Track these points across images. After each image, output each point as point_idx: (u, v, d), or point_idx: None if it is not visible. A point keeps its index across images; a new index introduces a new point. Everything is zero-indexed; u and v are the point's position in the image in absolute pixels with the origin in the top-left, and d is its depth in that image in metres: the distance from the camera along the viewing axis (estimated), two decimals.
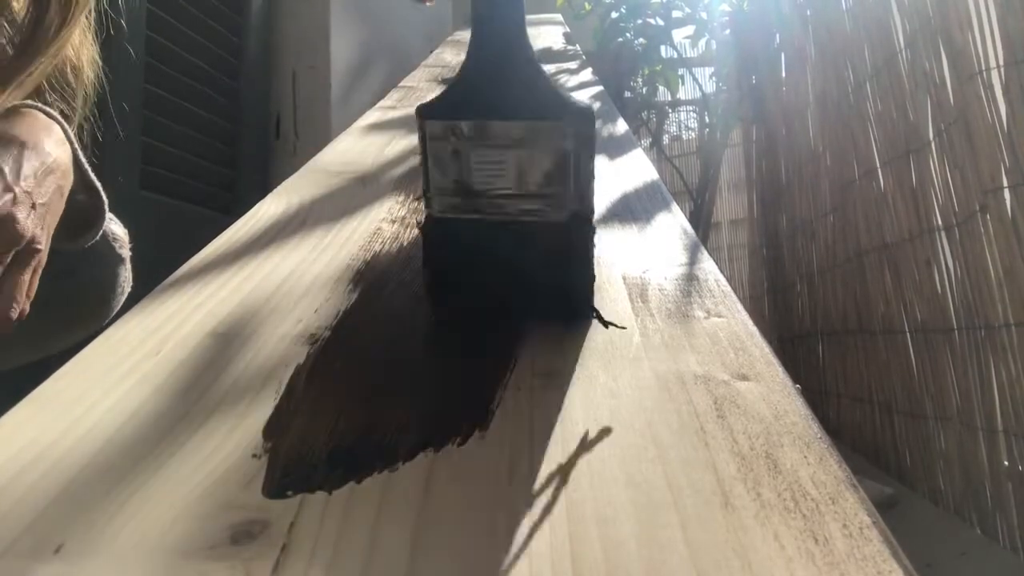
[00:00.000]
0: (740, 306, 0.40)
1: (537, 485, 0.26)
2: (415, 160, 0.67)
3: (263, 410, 0.30)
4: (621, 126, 0.82)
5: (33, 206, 0.49)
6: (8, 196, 0.47)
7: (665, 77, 2.54)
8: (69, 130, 0.55)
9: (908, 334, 1.47)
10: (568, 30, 1.75)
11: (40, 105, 0.54)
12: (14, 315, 0.48)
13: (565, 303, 0.38)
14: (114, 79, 1.29)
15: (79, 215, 0.56)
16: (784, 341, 2.30)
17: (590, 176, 0.36)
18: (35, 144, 0.51)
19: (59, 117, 0.55)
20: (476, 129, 0.35)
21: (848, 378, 1.79)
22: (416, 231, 0.50)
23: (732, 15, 2.44)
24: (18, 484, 0.26)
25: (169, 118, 1.44)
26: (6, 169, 0.48)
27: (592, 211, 0.37)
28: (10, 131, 0.51)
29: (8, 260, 0.47)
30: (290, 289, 0.41)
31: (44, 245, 0.50)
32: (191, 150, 1.51)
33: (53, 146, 0.53)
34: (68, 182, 0.54)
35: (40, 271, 0.50)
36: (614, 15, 2.49)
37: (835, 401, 1.88)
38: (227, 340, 0.36)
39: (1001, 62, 1.10)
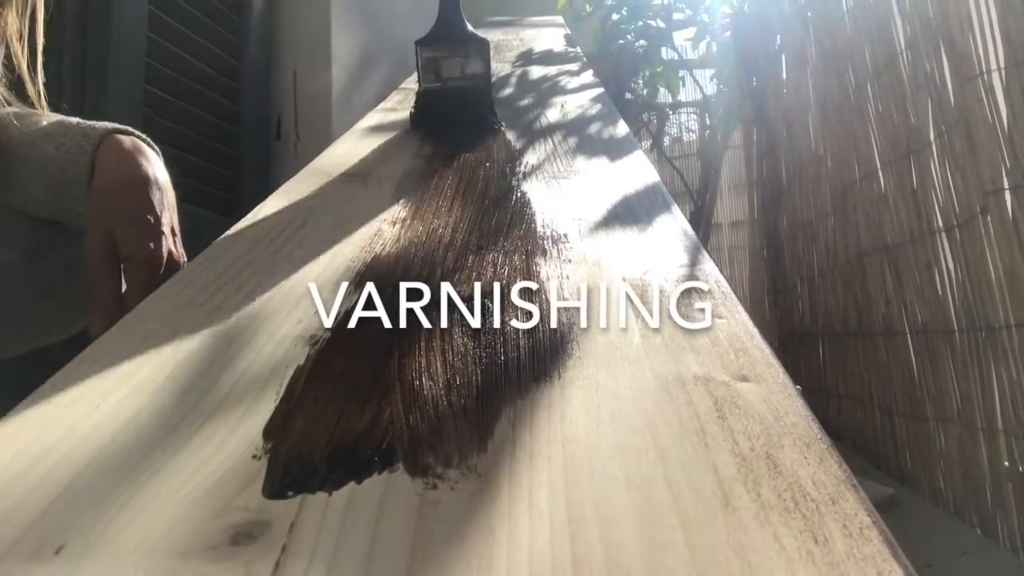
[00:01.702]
0: (740, 307, 0.40)
1: (537, 487, 0.26)
2: (416, 162, 0.68)
3: (263, 411, 0.30)
4: (622, 128, 0.82)
5: (173, 231, 0.59)
6: (162, 239, 0.56)
7: (666, 79, 2.54)
8: (153, 145, 0.62)
9: (909, 335, 1.47)
10: (569, 32, 1.75)
11: (123, 127, 0.59)
12: None
13: (482, 117, 0.80)
14: (114, 80, 1.30)
15: None
16: (785, 342, 2.30)
17: (489, 67, 0.79)
18: (152, 176, 0.59)
19: (141, 135, 0.62)
20: (444, 50, 0.77)
21: (848, 379, 1.79)
22: (415, 232, 0.50)
23: (733, 17, 2.44)
24: (19, 485, 0.26)
25: (169, 119, 1.44)
26: (150, 217, 0.56)
27: (490, 80, 0.80)
28: (134, 170, 0.58)
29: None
30: (291, 290, 0.41)
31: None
32: (191, 151, 1.51)
33: (157, 170, 0.60)
34: (171, 189, 0.61)
35: None
36: (615, 17, 2.49)
37: (835, 402, 1.88)
38: (228, 341, 0.36)
39: (1002, 64, 1.10)
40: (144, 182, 0.57)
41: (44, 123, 0.58)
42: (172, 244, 0.57)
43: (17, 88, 0.60)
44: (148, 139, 0.62)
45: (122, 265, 0.55)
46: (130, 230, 0.55)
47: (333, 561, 0.22)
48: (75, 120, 0.60)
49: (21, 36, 0.59)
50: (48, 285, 0.60)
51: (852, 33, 1.71)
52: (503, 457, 0.27)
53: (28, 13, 0.59)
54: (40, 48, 0.61)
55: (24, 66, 0.59)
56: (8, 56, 0.59)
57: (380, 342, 0.36)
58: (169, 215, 0.59)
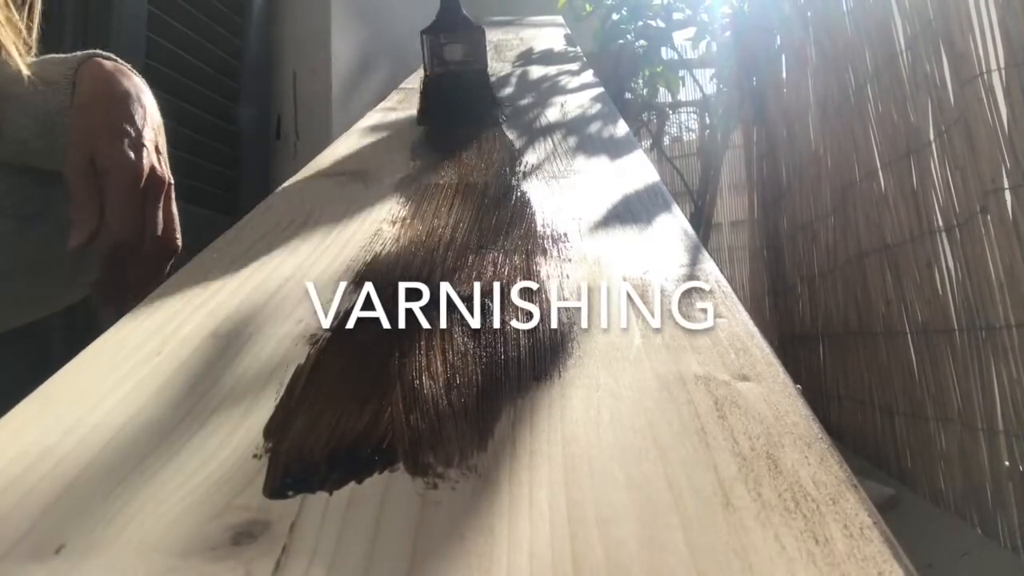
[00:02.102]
0: (741, 307, 0.40)
1: (538, 486, 0.26)
2: (416, 162, 0.68)
3: (264, 410, 0.30)
4: (622, 127, 0.82)
5: (158, 149, 0.57)
6: (143, 151, 0.55)
7: (666, 79, 2.54)
8: (137, 73, 0.61)
9: (909, 335, 1.47)
10: (569, 32, 1.75)
11: (99, 52, 0.58)
12: (179, 240, 0.59)
13: (483, 105, 0.84)
14: None
15: None
16: (785, 342, 2.30)
17: (484, 51, 0.84)
18: (134, 92, 0.57)
19: (115, 57, 0.60)
20: (446, 36, 0.82)
21: (849, 379, 1.79)
22: (416, 232, 0.50)
23: (733, 17, 2.44)
24: (19, 485, 0.26)
25: (169, 119, 1.44)
26: (130, 129, 0.55)
27: (486, 65, 0.85)
28: (114, 85, 0.57)
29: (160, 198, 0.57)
30: (291, 290, 0.41)
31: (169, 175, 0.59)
32: (191, 151, 1.51)
33: (140, 89, 0.59)
34: (157, 111, 0.60)
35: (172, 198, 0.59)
36: (615, 17, 2.49)
37: (836, 402, 1.88)
38: (228, 341, 0.36)
39: (1002, 64, 1.11)
40: (124, 96, 0.56)
41: (22, 65, 0.57)
42: (156, 161, 0.56)
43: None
44: (114, 57, 0.61)
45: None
46: (108, 141, 0.53)
47: (334, 561, 0.22)
48: (54, 55, 0.59)
49: (9, 21, 0.57)
50: (43, 251, 0.59)
51: (852, 33, 1.71)
52: (503, 457, 0.27)
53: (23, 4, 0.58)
54: (37, 14, 0.59)
55: (11, 50, 0.58)
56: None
57: (380, 342, 0.36)
58: (152, 133, 0.57)
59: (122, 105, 0.56)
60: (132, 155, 0.54)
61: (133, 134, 0.55)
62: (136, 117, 0.56)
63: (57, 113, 0.56)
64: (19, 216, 0.58)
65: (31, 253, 0.58)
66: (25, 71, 0.56)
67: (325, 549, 0.23)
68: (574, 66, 1.25)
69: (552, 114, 0.89)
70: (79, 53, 0.59)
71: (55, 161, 0.57)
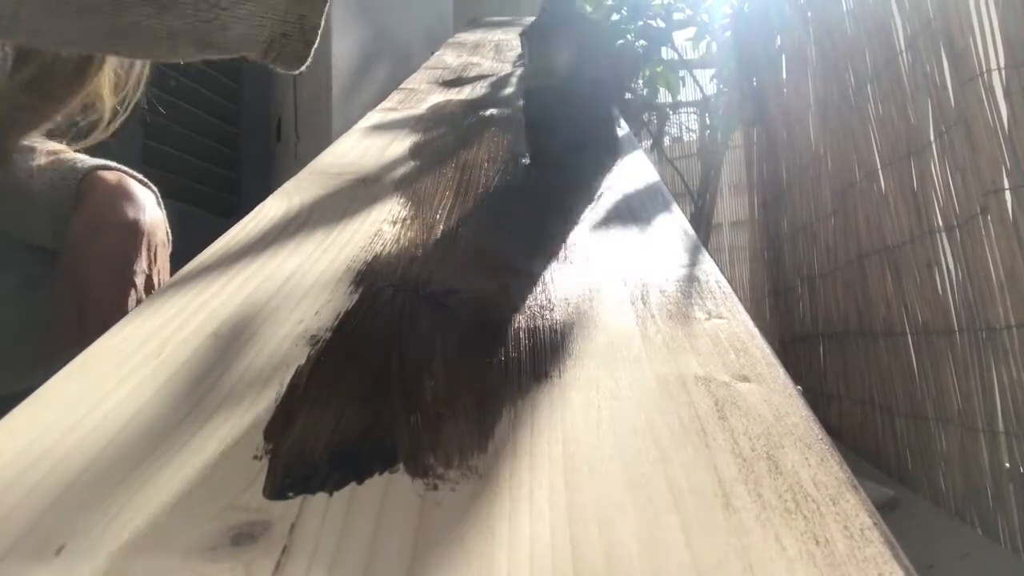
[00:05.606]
0: (741, 307, 0.40)
1: (538, 487, 0.26)
2: (416, 162, 0.68)
3: (264, 411, 0.30)
4: (622, 128, 0.82)
5: (150, 279, 0.56)
6: (130, 290, 0.54)
7: (666, 79, 2.54)
8: (147, 182, 0.60)
9: (909, 336, 1.46)
10: None
11: (111, 164, 0.57)
12: None
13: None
14: None
15: None
16: (785, 343, 2.30)
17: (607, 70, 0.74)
18: (131, 218, 0.56)
19: (131, 172, 0.59)
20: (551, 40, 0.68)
21: (849, 380, 1.79)
22: (416, 232, 0.50)
23: (733, 17, 2.44)
24: (20, 486, 0.26)
25: (170, 120, 1.44)
26: (120, 266, 0.54)
27: (611, 85, 0.74)
28: (110, 213, 0.55)
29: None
30: (291, 290, 0.41)
31: None
32: (192, 152, 1.51)
33: (141, 211, 0.57)
34: (164, 235, 0.59)
35: None
36: (615, 17, 2.49)
37: (836, 403, 1.88)
38: (228, 341, 0.36)
39: (1002, 64, 1.10)
40: (119, 226, 0.55)
41: (42, 161, 0.57)
42: (143, 294, 0.55)
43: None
44: (139, 176, 0.59)
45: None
46: (95, 277, 0.53)
47: (334, 562, 0.22)
48: (70, 155, 0.59)
49: (116, 87, 0.57)
50: (49, 310, 0.59)
51: (852, 34, 1.71)
52: (504, 457, 0.27)
53: (128, 68, 0.58)
54: (132, 103, 0.59)
55: (107, 115, 0.57)
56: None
57: (381, 342, 0.36)
58: (147, 262, 0.55)
59: (114, 237, 0.54)
60: (116, 294, 0.53)
61: (120, 270, 0.53)
62: (128, 249, 0.54)
63: (68, 218, 0.56)
64: (27, 274, 0.58)
65: (38, 311, 0.59)
66: (43, 160, 0.56)
67: (325, 550, 0.23)
68: None
69: None
70: (89, 162, 0.58)
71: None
